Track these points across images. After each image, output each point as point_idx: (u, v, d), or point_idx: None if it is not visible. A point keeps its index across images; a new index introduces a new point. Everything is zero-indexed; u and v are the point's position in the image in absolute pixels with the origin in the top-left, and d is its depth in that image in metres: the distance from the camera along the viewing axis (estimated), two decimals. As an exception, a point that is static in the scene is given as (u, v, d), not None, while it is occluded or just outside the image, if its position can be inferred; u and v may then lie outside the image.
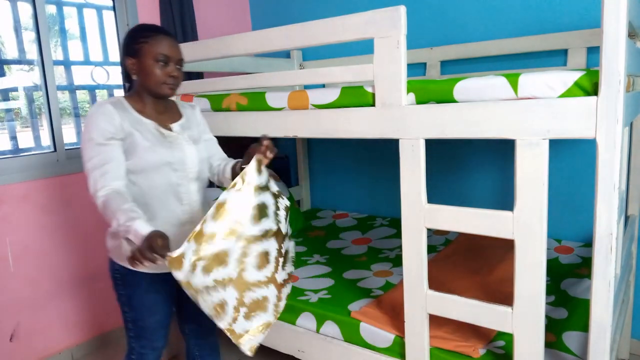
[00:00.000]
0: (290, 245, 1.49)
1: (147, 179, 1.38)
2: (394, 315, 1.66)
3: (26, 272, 2.25)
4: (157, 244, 1.14)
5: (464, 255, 2.17)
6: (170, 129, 1.46)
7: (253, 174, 1.29)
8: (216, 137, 1.66)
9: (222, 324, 1.25)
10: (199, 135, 1.55)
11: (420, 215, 1.41)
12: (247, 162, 1.35)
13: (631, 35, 1.44)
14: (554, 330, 1.53)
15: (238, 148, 1.59)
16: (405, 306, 1.50)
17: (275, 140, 3.39)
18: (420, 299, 1.46)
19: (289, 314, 1.87)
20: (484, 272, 1.93)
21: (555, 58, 2.21)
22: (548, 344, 1.43)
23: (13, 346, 2.22)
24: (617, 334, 1.56)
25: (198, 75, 2.76)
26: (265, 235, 1.32)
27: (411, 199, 1.42)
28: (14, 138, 2.34)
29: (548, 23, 2.20)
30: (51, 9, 2.45)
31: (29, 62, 2.35)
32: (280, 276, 1.38)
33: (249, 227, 1.28)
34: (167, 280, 1.44)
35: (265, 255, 1.32)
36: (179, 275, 1.16)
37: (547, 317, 1.61)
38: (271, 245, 1.34)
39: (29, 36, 2.33)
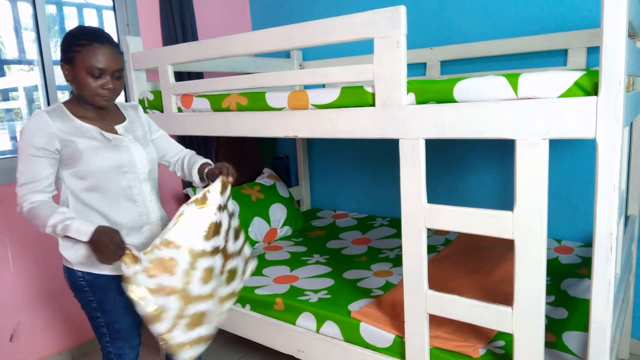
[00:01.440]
0: (239, 263, 1.53)
1: (99, 184, 1.37)
2: (394, 315, 1.66)
3: (26, 272, 2.25)
4: (117, 237, 1.23)
5: (464, 255, 2.17)
6: (115, 132, 1.44)
7: (216, 194, 1.36)
8: (216, 137, 1.65)
9: (158, 329, 1.29)
10: (144, 135, 1.53)
11: (420, 215, 1.41)
12: (213, 174, 1.43)
13: (631, 35, 1.44)
14: (554, 330, 1.53)
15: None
16: (405, 306, 1.50)
17: (274, 140, 3.40)
18: (420, 299, 1.46)
19: (289, 314, 1.87)
20: (484, 272, 1.93)
21: (555, 58, 2.21)
22: (548, 344, 1.43)
23: (13, 346, 2.22)
24: (617, 334, 1.56)
25: (198, 75, 2.76)
26: (214, 251, 1.38)
27: (411, 199, 1.42)
28: (14, 138, 2.34)
29: (548, 23, 2.20)
30: (51, 9, 2.45)
31: (29, 62, 2.35)
32: (224, 291, 1.45)
33: (201, 242, 1.33)
34: None
35: (210, 271, 1.38)
36: (129, 270, 1.23)
37: (547, 317, 1.61)
38: (217, 262, 1.40)
39: (29, 36, 2.33)
